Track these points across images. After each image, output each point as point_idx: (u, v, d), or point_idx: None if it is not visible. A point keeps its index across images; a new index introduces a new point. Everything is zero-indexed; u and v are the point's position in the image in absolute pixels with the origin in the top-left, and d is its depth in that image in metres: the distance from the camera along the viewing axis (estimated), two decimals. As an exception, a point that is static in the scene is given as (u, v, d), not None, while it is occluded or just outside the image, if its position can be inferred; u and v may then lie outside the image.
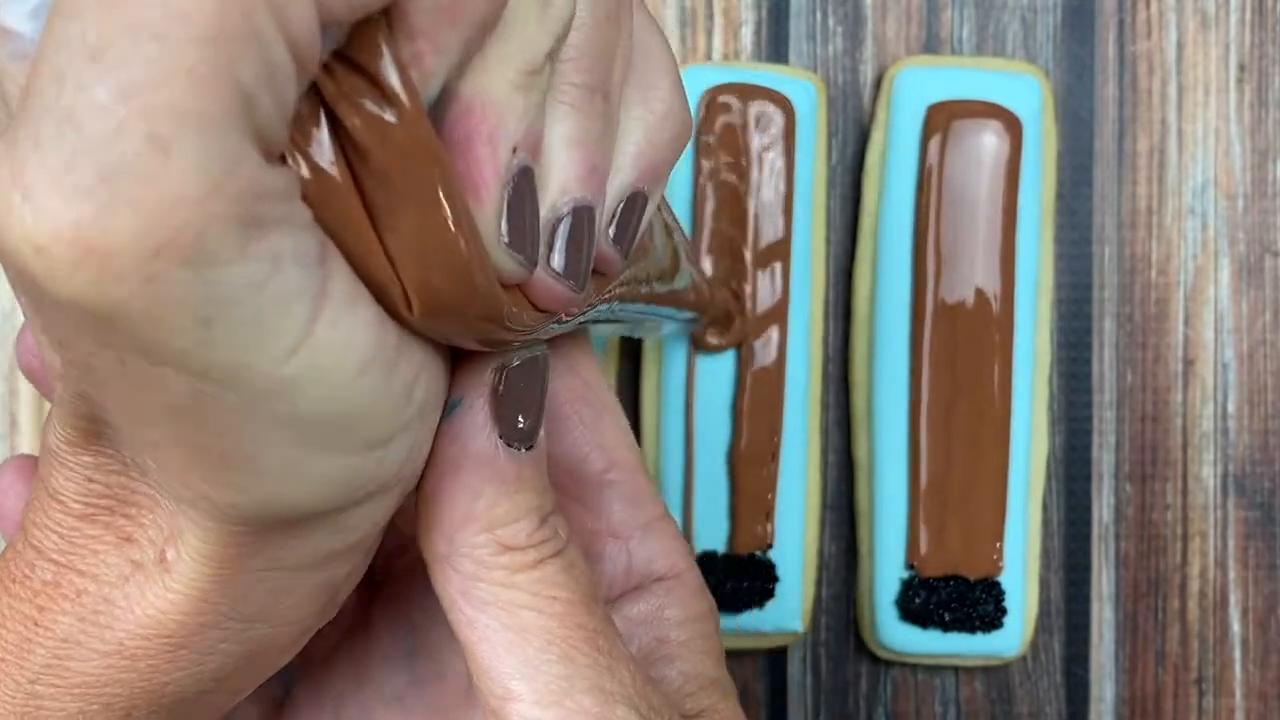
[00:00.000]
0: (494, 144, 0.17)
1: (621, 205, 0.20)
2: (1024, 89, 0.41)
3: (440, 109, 0.17)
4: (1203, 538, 0.43)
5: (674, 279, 0.28)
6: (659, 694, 0.22)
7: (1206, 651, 0.43)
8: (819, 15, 0.42)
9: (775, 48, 0.43)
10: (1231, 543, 0.43)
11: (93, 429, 0.19)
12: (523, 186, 0.18)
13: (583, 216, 0.19)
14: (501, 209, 0.17)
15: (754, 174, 0.41)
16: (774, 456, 0.41)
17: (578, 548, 0.22)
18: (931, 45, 0.43)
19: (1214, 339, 0.43)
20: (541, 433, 0.21)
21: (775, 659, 0.43)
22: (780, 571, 0.41)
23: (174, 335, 0.14)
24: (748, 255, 0.41)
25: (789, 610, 0.41)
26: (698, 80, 0.41)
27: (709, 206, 0.41)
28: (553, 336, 0.23)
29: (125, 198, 0.13)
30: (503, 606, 0.21)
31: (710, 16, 0.42)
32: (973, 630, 0.41)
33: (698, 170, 0.41)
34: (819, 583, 0.43)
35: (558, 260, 0.19)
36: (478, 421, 0.20)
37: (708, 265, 0.41)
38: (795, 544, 0.41)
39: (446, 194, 0.16)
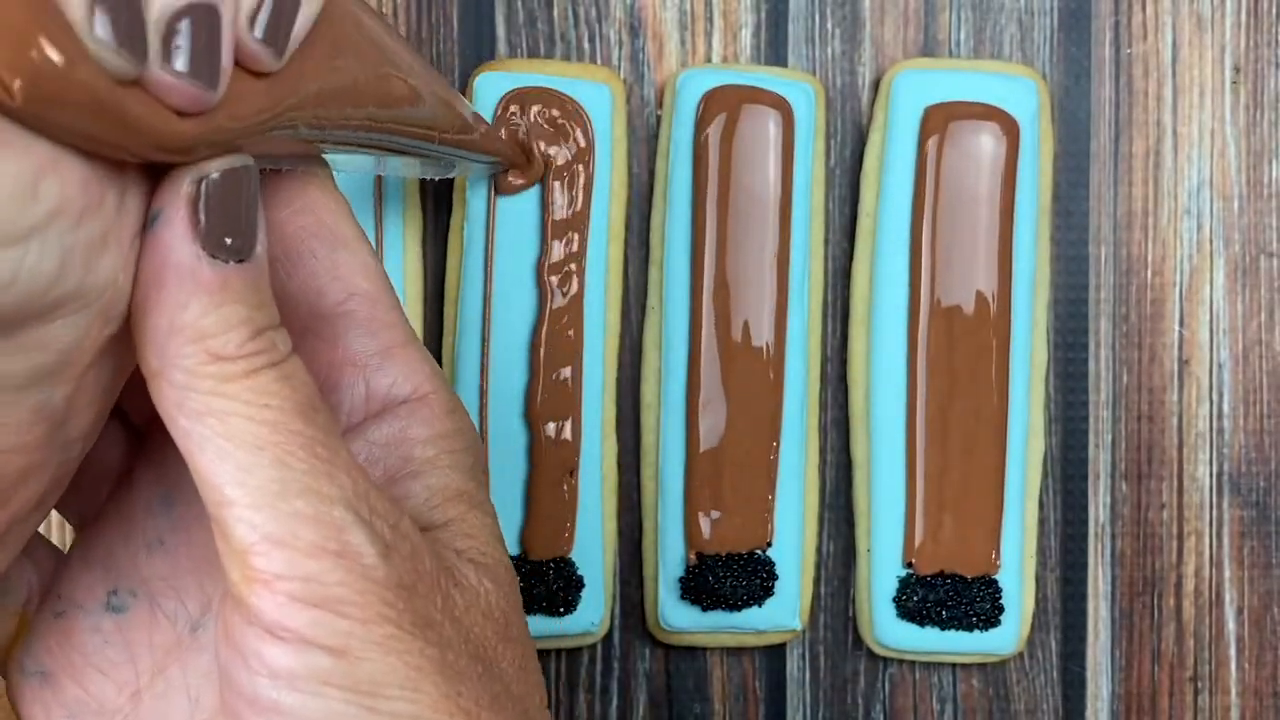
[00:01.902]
0: None
1: (270, 2, 0.21)
2: (1021, 91, 0.42)
3: None
4: (1198, 536, 0.43)
5: (405, 107, 0.28)
6: (387, 501, 0.23)
7: (1202, 649, 0.44)
8: (817, 18, 0.43)
9: (774, 50, 0.43)
10: (1227, 541, 0.43)
11: None
12: None
13: (201, 12, 0.19)
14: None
15: (752, 176, 0.41)
16: (773, 455, 0.41)
17: (300, 363, 0.22)
18: (929, 48, 0.43)
19: (1209, 339, 0.43)
20: (258, 248, 0.22)
21: (774, 656, 0.43)
22: (779, 569, 0.42)
23: None
24: (747, 254, 0.41)
25: (788, 608, 0.42)
26: (697, 82, 0.41)
27: (708, 207, 0.41)
28: (274, 165, 0.23)
29: None
30: (216, 415, 0.21)
31: (709, 19, 0.43)
32: (970, 628, 0.42)
33: (697, 171, 0.41)
34: (817, 580, 0.43)
35: (180, 60, 0.19)
36: (177, 233, 0.21)
37: (709, 263, 0.41)
38: (794, 542, 0.42)
39: None
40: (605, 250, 0.42)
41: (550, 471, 0.41)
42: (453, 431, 0.27)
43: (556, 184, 0.41)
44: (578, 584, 0.41)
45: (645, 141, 0.43)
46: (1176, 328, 0.43)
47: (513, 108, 0.41)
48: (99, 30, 0.18)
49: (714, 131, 0.41)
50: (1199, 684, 0.44)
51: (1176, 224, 0.43)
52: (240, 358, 0.21)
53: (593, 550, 0.41)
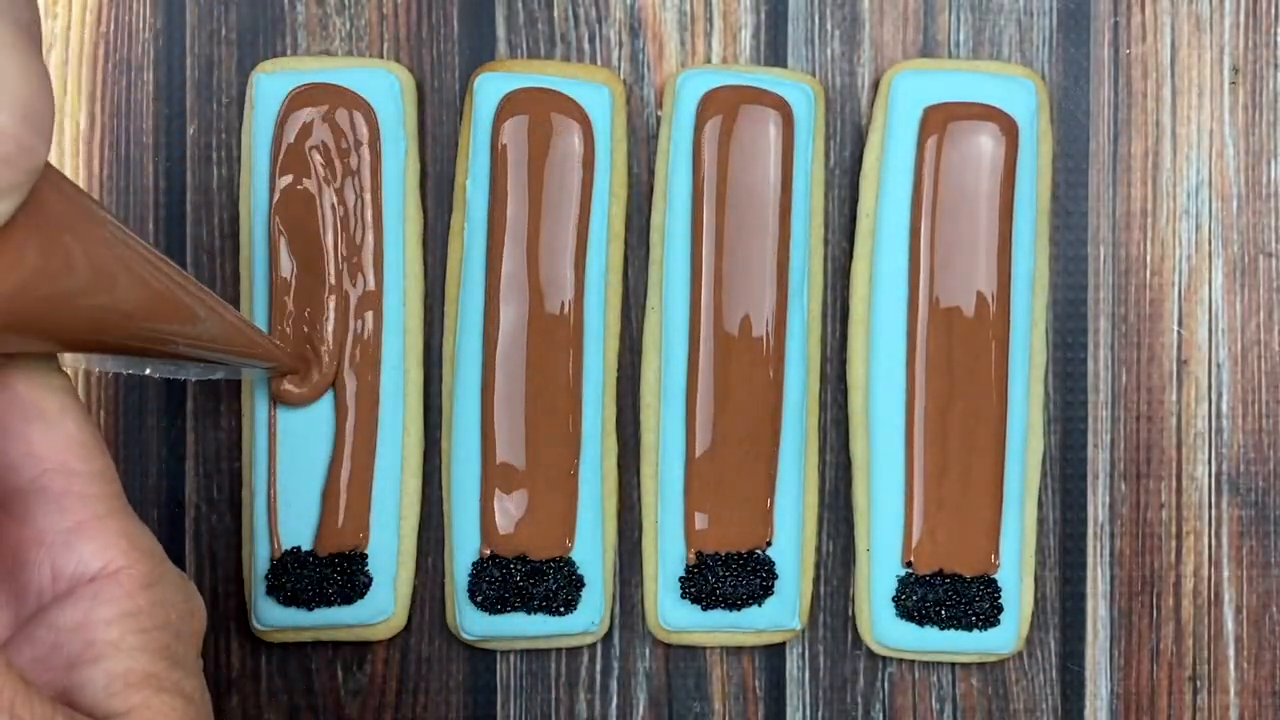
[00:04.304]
0: None
1: None
2: (1020, 92, 0.42)
3: None
4: (1197, 536, 0.44)
5: (147, 320, 0.27)
6: (38, 704, 0.22)
7: (1201, 649, 0.44)
8: (817, 19, 0.43)
9: (774, 51, 0.43)
10: (1225, 541, 0.44)
11: None
12: None
13: None
14: None
15: (752, 176, 0.41)
16: (772, 455, 0.42)
17: None
18: (928, 48, 0.43)
19: (1208, 339, 0.43)
20: None
21: (773, 655, 0.43)
22: (779, 569, 0.42)
23: None
24: (747, 254, 0.41)
25: (787, 607, 0.42)
26: (696, 83, 0.42)
27: (708, 207, 0.41)
28: None
29: None
30: None
31: (709, 20, 0.43)
32: (969, 627, 0.42)
33: (696, 172, 0.41)
34: (817, 580, 0.43)
35: None
36: None
37: (709, 263, 0.41)
38: (794, 542, 0.42)
39: None
40: (605, 250, 0.42)
41: (550, 471, 0.41)
42: (145, 608, 0.25)
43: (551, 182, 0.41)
44: (578, 584, 0.41)
45: (645, 142, 0.43)
46: (1175, 328, 0.43)
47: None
48: None
49: (713, 132, 0.41)
50: (1198, 683, 0.44)
51: (1175, 224, 0.43)
52: None
53: (593, 550, 0.42)
